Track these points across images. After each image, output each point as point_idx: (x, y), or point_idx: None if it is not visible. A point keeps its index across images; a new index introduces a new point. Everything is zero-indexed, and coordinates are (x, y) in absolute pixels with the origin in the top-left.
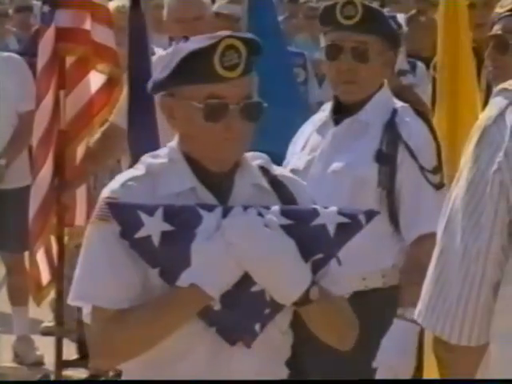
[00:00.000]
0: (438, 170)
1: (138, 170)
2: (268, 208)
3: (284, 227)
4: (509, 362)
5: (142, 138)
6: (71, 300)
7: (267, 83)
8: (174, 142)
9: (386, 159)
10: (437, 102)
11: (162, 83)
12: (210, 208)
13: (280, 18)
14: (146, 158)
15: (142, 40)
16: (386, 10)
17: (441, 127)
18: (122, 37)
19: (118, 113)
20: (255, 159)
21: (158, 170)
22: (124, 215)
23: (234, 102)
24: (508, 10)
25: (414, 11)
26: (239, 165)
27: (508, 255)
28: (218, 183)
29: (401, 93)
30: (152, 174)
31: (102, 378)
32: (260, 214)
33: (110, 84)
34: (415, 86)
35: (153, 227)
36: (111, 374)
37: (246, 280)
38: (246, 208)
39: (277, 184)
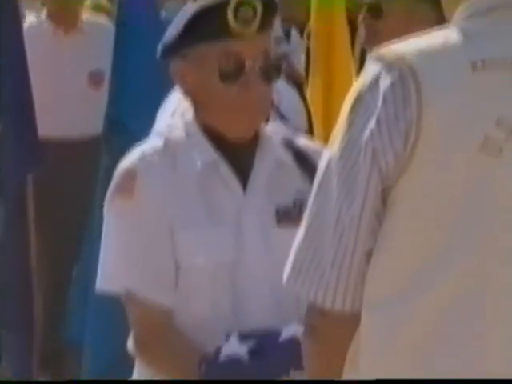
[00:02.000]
0: (309, 135)
1: (157, 141)
2: None
3: (249, 352)
4: (378, 329)
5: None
6: (100, 285)
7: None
8: (188, 116)
9: None
10: (311, 70)
11: (173, 45)
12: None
13: None
14: (163, 130)
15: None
16: None
17: (316, 96)
18: None
19: None
20: (277, 132)
21: (177, 144)
22: None
23: (250, 60)
24: None
25: None
26: (260, 138)
27: (381, 223)
28: (240, 158)
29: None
30: (171, 148)
31: None
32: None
33: None
34: (289, 54)
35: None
36: None
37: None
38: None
39: (301, 157)
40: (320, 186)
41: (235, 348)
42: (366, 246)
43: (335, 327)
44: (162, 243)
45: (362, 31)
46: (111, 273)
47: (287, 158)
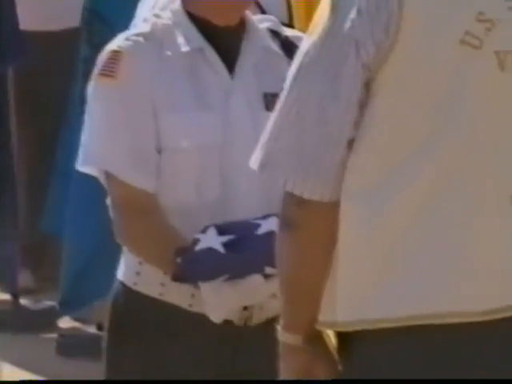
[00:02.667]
0: (290, 27)
1: (144, 27)
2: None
3: (226, 244)
4: (355, 220)
5: None
6: (80, 165)
7: None
8: (176, 5)
9: None
10: None
11: None
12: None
13: None
14: (151, 17)
15: None
16: None
17: None
18: None
19: None
20: (264, 22)
21: (164, 30)
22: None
23: None
24: None
25: None
26: (247, 25)
27: (364, 112)
28: (227, 45)
29: None
30: (158, 34)
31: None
32: None
33: None
34: None
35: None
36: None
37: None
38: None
39: (288, 46)
40: (299, 71)
41: (212, 240)
42: (349, 136)
43: (312, 218)
44: (146, 124)
45: None
46: (92, 153)
47: (274, 45)
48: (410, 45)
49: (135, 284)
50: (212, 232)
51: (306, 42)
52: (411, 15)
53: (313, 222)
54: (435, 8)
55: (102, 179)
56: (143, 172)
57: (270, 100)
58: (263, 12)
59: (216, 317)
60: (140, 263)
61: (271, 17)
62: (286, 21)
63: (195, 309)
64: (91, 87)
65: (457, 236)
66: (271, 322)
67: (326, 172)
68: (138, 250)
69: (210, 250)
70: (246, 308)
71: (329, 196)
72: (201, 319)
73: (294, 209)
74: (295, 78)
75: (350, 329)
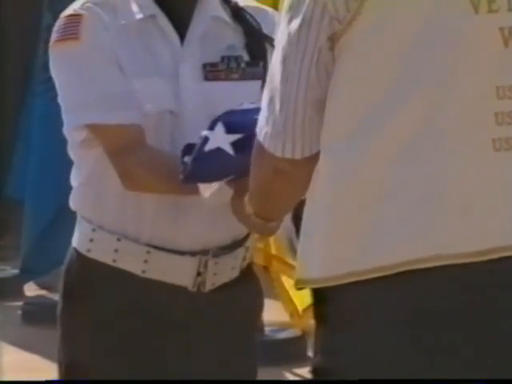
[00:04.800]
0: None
1: None
2: None
3: (234, 144)
4: (330, 172)
5: None
6: (66, 129)
7: None
8: None
9: None
10: None
11: None
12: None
13: None
14: None
15: None
16: None
17: None
18: None
19: None
20: None
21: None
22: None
23: None
24: None
25: None
26: None
27: (330, 72)
28: (179, 13)
29: None
30: (111, 2)
31: None
32: None
33: None
34: None
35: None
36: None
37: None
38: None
39: (240, 16)
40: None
41: (220, 139)
42: (317, 97)
43: (289, 167)
44: (116, 74)
45: None
46: (74, 114)
47: (224, 14)
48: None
49: (88, 251)
50: (220, 129)
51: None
52: None
53: (289, 170)
54: None
55: (92, 132)
56: (124, 108)
57: (208, 70)
58: None
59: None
60: (93, 230)
61: None
62: None
63: (148, 275)
64: (54, 55)
65: (434, 182)
66: (224, 288)
67: (292, 131)
68: (150, 182)
69: (219, 150)
70: (199, 274)
71: (300, 154)
72: (154, 286)
73: (274, 162)
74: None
75: (337, 282)
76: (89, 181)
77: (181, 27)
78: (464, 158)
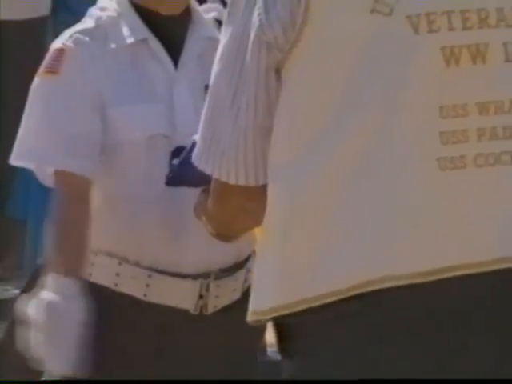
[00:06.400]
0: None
1: (88, 22)
2: None
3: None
4: (279, 193)
5: None
6: (14, 159)
7: None
8: None
9: None
10: None
11: None
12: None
13: None
14: (94, 11)
15: None
16: None
17: None
18: None
19: None
20: (210, 11)
21: (108, 23)
22: None
23: None
24: None
25: None
26: (192, 16)
27: (278, 96)
28: (172, 35)
29: None
30: (102, 27)
31: None
32: None
33: None
34: None
35: None
36: None
37: None
38: None
39: None
40: (217, 62)
41: None
42: (264, 124)
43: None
44: (84, 116)
45: None
46: (26, 148)
47: (219, 34)
48: (320, 21)
49: (90, 275)
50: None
51: (223, 33)
52: None
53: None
54: None
55: (40, 173)
56: (81, 158)
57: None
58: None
59: None
60: (95, 254)
61: (217, 6)
62: None
63: (150, 299)
64: (34, 84)
65: (382, 202)
66: (226, 310)
67: (244, 159)
68: (62, 236)
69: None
70: (201, 297)
71: (254, 181)
72: (156, 309)
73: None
74: (215, 68)
75: (293, 309)
76: None
77: (173, 50)
78: (412, 177)
